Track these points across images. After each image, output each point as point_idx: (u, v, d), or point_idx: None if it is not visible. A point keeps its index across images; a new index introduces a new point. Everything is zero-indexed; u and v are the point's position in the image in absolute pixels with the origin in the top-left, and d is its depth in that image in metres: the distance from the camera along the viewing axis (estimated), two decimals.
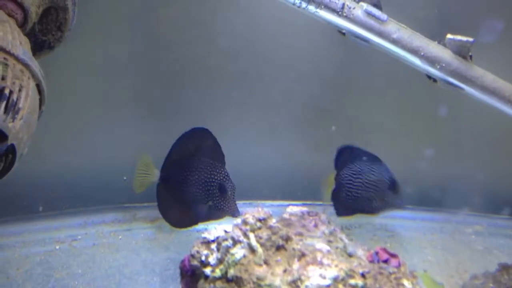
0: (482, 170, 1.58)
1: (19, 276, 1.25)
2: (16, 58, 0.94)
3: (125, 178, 1.50)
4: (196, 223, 1.44)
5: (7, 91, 0.89)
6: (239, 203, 1.46)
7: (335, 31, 1.32)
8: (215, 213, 1.42)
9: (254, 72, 1.58)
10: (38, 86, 1.00)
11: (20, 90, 0.92)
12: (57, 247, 1.39)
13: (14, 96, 0.91)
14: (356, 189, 1.47)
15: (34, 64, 0.98)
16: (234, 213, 1.40)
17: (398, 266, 0.84)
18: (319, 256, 0.81)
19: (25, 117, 0.93)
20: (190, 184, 1.41)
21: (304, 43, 1.52)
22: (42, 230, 1.42)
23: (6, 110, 0.89)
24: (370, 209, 1.47)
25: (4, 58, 0.92)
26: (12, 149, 0.91)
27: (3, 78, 0.90)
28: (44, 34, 1.22)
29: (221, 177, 1.41)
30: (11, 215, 1.43)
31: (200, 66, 1.56)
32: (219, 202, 1.40)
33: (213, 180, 1.41)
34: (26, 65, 0.96)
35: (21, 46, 0.97)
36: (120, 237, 1.45)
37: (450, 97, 1.42)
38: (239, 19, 1.52)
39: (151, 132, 1.55)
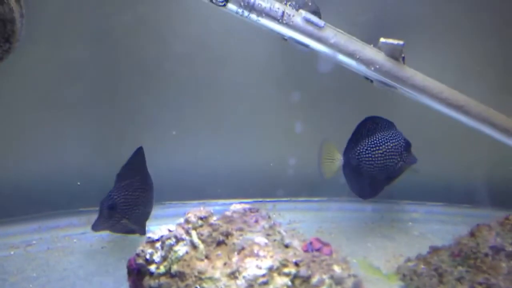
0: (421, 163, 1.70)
1: None
2: None
3: (78, 183, 1.53)
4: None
5: None
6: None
7: (278, 38, 1.39)
8: None
9: (206, 76, 1.63)
10: None
11: None
12: (12, 252, 1.40)
13: None
14: (378, 159, 1.49)
15: None
16: None
17: (330, 254, 0.92)
18: (256, 249, 0.88)
19: None
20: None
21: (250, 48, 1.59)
22: None
23: None
24: (394, 173, 1.52)
25: None
26: None
27: None
28: None
29: None
30: None
31: (153, 69, 1.59)
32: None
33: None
34: None
35: None
36: (74, 240, 1.48)
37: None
38: (191, 25, 1.56)
39: (104, 136, 1.59)
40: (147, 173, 1.47)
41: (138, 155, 1.45)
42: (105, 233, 1.52)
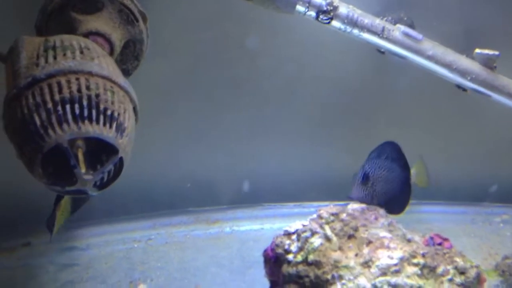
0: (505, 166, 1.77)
1: (109, 270, 1.44)
2: (119, 86, 1.10)
3: (188, 185, 1.70)
4: None
5: (116, 113, 1.07)
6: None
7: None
8: None
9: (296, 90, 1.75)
10: (134, 108, 1.18)
11: (124, 112, 1.10)
12: (135, 245, 1.58)
13: (121, 118, 1.08)
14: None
15: (131, 90, 1.16)
16: None
17: (450, 247, 1.02)
18: (385, 241, 0.99)
19: (129, 134, 1.11)
20: None
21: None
22: (120, 231, 1.62)
23: (116, 129, 1.07)
24: None
25: (111, 86, 1.08)
26: (121, 161, 1.09)
27: (112, 103, 1.07)
28: (123, 63, 1.36)
29: None
30: (95, 218, 1.63)
31: (243, 84, 1.73)
32: None
33: None
34: (126, 92, 1.12)
35: (120, 75, 1.16)
36: (187, 236, 1.64)
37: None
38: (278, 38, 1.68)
39: (207, 144, 1.73)
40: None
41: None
42: (212, 231, 1.68)
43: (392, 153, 1.55)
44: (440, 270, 0.96)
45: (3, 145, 1.13)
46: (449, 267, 0.96)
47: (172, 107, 1.68)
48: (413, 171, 1.54)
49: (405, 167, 1.54)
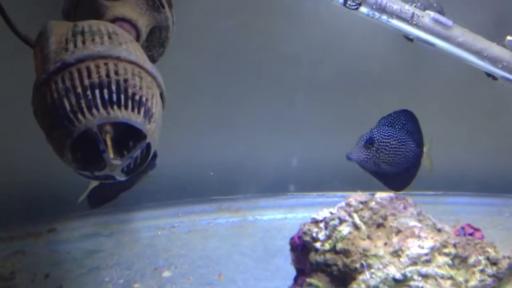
0: None
1: (133, 256, 1.46)
2: (147, 71, 1.10)
3: (211, 173, 1.69)
4: None
5: (144, 99, 1.06)
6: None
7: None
8: None
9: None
10: (161, 94, 1.17)
11: (152, 98, 1.10)
12: (159, 232, 1.59)
13: (149, 103, 1.07)
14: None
15: (159, 76, 1.15)
16: None
17: (482, 238, 1.00)
18: (416, 231, 0.97)
19: (156, 120, 1.10)
20: None
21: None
22: (144, 219, 1.63)
23: (144, 114, 1.07)
24: None
25: (139, 72, 1.08)
26: (147, 147, 1.09)
27: (140, 88, 1.07)
28: (149, 50, 1.36)
29: None
30: (119, 205, 1.63)
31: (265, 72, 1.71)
32: None
33: None
34: (153, 77, 1.12)
35: (147, 60, 1.16)
36: (211, 224, 1.65)
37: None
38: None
39: (226, 135, 1.73)
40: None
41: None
42: (235, 219, 1.68)
43: (408, 124, 1.51)
44: (471, 260, 0.94)
45: (29, 134, 1.15)
46: (480, 257, 0.94)
47: (196, 96, 1.68)
48: (425, 149, 1.50)
49: (419, 143, 1.50)
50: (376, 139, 1.44)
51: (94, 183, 1.46)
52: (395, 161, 1.46)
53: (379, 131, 1.47)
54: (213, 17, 1.60)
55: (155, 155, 1.53)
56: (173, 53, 1.46)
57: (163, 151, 1.66)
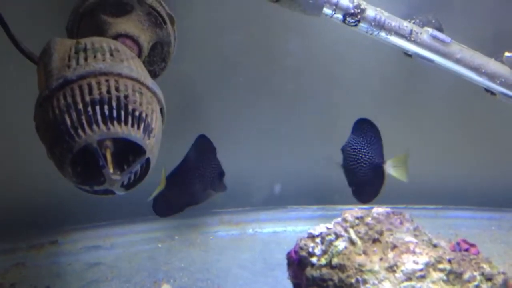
0: None
1: (133, 269, 1.47)
2: (147, 88, 1.12)
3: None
4: None
5: (143, 115, 1.08)
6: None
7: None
8: None
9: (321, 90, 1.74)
10: (161, 110, 1.19)
11: (152, 113, 1.11)
12: (159, 245, 1.60)
13: (149, 119, 1.09)
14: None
15: (159, 91, 1.17)
16: None
17: (477, 253, 1.00)
18: (411, 246, 0.98)
19: (156, 135, 1.12)
20: None
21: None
22: (145, 231, 1.64)
23: (144, 130, 1.08)
24: None
25: (139, 88, 1.10)
26: (147, 162, 1.11)
27: (140, 104, 1.09)
28: (151, 65, 1.38)
29: None
30: (118, 218, 1.66)
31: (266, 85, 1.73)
32: None
33: None
34: (154, 93, 1.13)
35: (148, 77, 1.18)
36: (211, 237, 1.66)
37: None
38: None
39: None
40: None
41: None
42: (235, 233, 1.69)
43: (368, 134, 1.54)
44: (466, 276, 0.95)
45: (32, 146, 1.17)
46: (475, 273, 0.95)
47: (198, 108, 1.70)
48: (390, 162, 1.51)
49: (379, 153, 1.52)
50: (344, 148, 1.49)
51: (160, 188, 1.54)
52: (359, 172, 1.49)
53: (349, 140, 1.51)
54: (216, 31, 1.62)
55: (222, 174, 1.59)
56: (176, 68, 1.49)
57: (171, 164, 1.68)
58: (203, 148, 1.62)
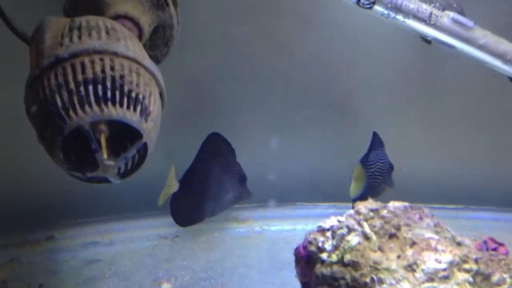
0: None
1: (132, 267, 1.39)
2: (146, 68, 1.05)
3: None
4: None
5: (140, 96, 1.00)
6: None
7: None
8: None
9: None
10: (161, 93, 1.11)
11: (150, 96, 1.03)
12: (162, 242, 1.52)
13: (146, 101, 1.01)
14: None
15: (159, 73, 1.10)
16: None
17: (506, 253, 0.90)
18: (432, 243, 0.88)
19: (154, 119, 1.04)
20: None
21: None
22: (146, 228, 1.57)
23: (140, 113, 1.00)
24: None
25: (137, 68, 1.03)
26: (144, 147, 1.02)
27: (137, 85, 1.01)
28: (152, 49, 1.32)
29: None
30: (117, 213, 1.58)
31: (277, 75, 1.65)
32: None
33: None
34: (152, 75, 1.06)
35: (147, 58, 1.10)
36: (215, 234, 1.57)
37: None
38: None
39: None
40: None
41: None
42: (242, 230, 1.60)
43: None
44: (495, 278, 0.85)
45: (27, 139, 1.10)
46: (505, 275, 0.85)
47: (203, 100, 1.62)
48: None
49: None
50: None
51: (171, 189, 1.47)
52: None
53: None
54: (221, 19, 1.55)
55: (244, 178, 1.54)
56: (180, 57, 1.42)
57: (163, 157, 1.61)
58: (219, 149, 1.55)
